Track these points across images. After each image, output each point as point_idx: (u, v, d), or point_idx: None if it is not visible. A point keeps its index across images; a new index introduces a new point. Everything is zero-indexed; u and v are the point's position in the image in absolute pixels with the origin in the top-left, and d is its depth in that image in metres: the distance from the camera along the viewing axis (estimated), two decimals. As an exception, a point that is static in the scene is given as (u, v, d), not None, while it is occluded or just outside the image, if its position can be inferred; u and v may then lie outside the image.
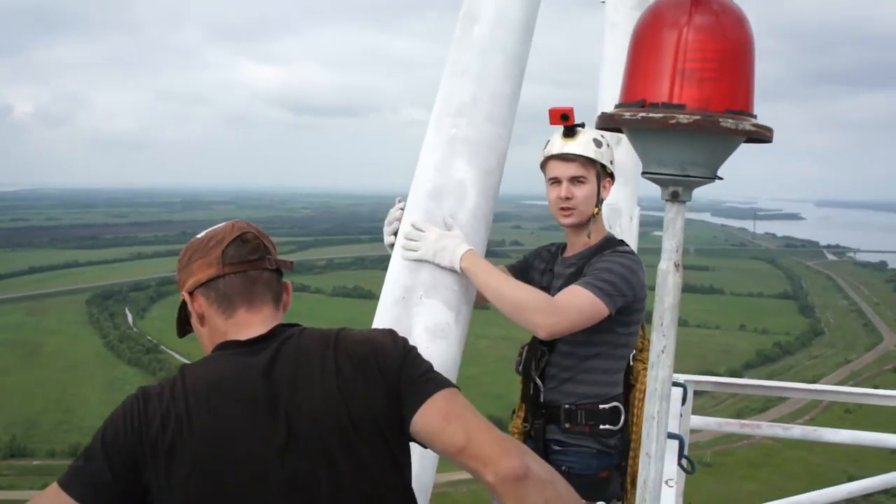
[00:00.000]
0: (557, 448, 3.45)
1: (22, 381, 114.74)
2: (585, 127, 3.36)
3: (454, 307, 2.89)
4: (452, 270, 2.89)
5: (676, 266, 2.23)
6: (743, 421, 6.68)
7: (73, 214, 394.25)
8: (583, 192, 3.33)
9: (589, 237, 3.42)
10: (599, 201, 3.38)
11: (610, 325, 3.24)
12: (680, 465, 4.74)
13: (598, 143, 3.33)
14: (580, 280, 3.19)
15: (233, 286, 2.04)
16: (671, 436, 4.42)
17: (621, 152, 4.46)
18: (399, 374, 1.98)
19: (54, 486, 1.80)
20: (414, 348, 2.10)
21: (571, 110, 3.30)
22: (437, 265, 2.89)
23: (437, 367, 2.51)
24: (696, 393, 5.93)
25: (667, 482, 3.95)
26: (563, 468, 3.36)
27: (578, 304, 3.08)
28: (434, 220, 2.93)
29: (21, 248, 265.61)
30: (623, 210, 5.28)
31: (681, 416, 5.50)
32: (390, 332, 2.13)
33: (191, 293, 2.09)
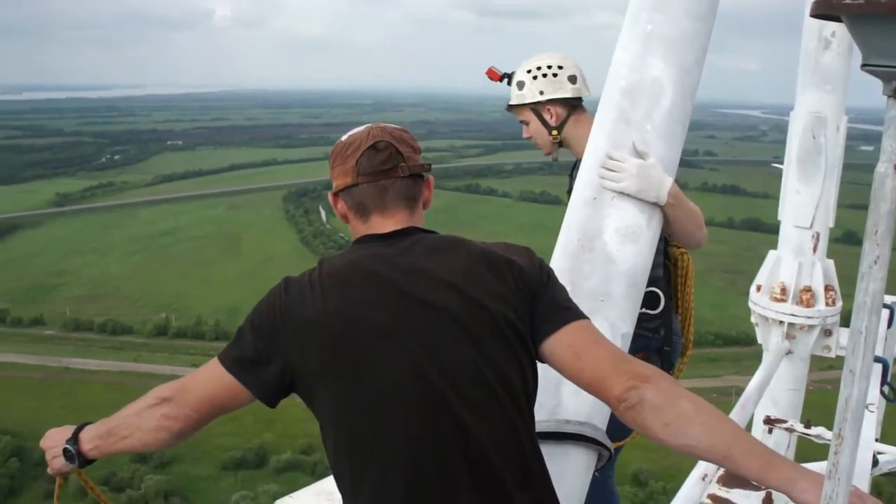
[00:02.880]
0: None
1: (223, 272, 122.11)
2: (516, 72, 3.69)
3: (646, 210, 2.83)
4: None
5: (896, 169, 2.14)
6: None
7: (270, 114, 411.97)
8: (530, 132, 3.71)
9: (579, 147, 3.49)
10: (554, 127, 3.64)
11: None
12: (882, 391, 4.72)
13: (520, 85, 3.65)
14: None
15: (366, 194, 2.14)
16: (876, 359, 4.34)
17: (830, 55, 4.42)
18: (536, 293, 2.05)
19: (214, 360, 2.03)
20: (552, 271, 2.16)
21: (490, 70, 3.77)
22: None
23: (625, 273, 2.65)
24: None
25: (867, 406, 3.78)
26: None
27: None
28: (627, 118, 2.85)
29: (222, 146, 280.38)
30: (829, 119, 4.75)
31: (885, 339, 5.36)
32: (527, 250, 2.18)
33: (335, 195, 2.21)
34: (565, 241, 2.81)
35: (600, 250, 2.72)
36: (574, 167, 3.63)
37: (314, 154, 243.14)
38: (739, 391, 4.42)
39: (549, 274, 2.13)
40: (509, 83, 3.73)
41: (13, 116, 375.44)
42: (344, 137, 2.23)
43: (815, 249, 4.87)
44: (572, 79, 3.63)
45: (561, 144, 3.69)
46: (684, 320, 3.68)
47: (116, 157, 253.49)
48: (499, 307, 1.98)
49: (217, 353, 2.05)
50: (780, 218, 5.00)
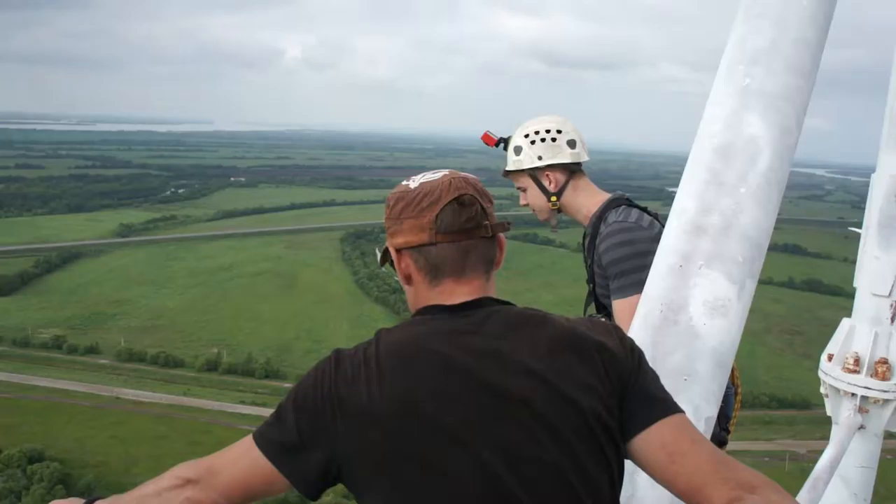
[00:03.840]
0: None
1: (278, 309, 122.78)
2: (513, 136, 3.59)
3: (737, 281, 2.59)
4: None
5: None
6: None
7: (332, 155, 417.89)
8: (528, 199, 3.63)
9: (580, 215, 3.56)
10: (553, 193, 3.54)
11: None
12: None
13: (517, 150, 3.55)
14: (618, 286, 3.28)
15: (444, 256, 1.87)
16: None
17: None
18: (628, 382, 1.80)
19: (248, 440, 1.79)
20: (643, 355, 1.90)
21: (485, 135, 3.74)
22: (722, 230, 2.61)
23: (712, 350, 2.49)
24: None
25: None
26: None
27: None
28: (720, 180, 2.65)
29: (284, 184, 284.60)
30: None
31: None
32: (616, 330, 1.91)
33: (398, 250, 1.94)
34: (646, 312, 2.60)
35: (685, 324, 2.52)
36: (584, 237, 3.55)
37: (374, 196, 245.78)
38: (794, 456, 3.99)
39: (641, 358, 1.88)
40: (505, 148, 3.63)
41: (85, 146, 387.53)
42: (413, 184, 1.94)
43: (892, 319, 4.51)
44: (571, 143, 3.51)
45: (559, 211, 3.60)
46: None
47: (181, 190, 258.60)
48: (587, 400, 1.73)
49: (253, 431, 1.80)
50: (855, 284, 4.67)
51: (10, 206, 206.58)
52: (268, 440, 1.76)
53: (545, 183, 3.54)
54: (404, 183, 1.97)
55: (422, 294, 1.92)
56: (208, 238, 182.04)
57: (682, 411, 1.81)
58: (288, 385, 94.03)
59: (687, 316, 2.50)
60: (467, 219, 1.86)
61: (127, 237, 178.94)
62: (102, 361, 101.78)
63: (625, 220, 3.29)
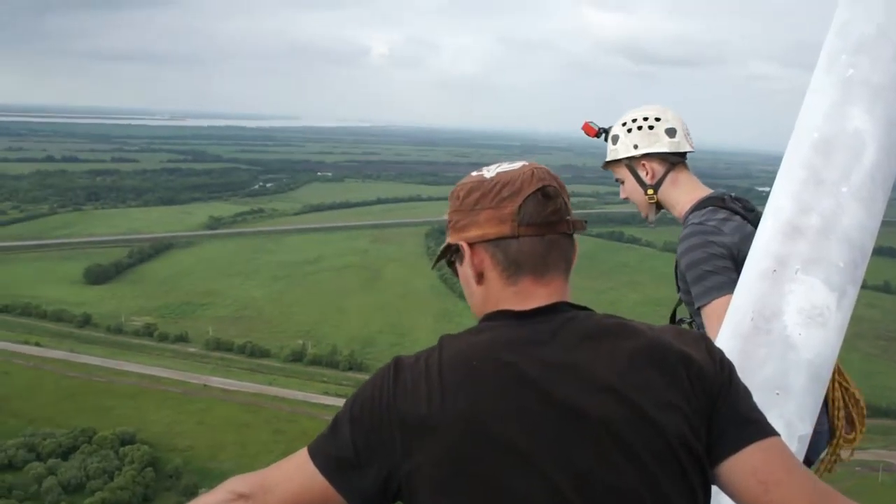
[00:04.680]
0: None
1: (363, 302, 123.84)
2: (613, 126, 3.43)
3: (837, 288, 2.41)
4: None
5: None
6: None
7: (418, 151, 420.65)
8: (626, 192, 3.46)
9: (675, 211, 3.38)
10: (649, 186, 3.37)
11: None
12: None
13: (614, 139, 3.39)
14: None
15: (525, 251, 1.69)
16: None
17: None
18: (717, 399, 1.61)
19: (304, 453, 1.68)
20: (734, 369, 1.69)
21: (585, 124, 3.52)
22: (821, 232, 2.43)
23: (808, 362, 2.35)
24: None
25: None
26: None
27: None
28: (819, 178, 2.46)
29: (370, 179, 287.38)
30: None
31: None
32: (704, 340, 1.72)
33: (471, 244, 1.74)
34: (736, 320, 2.47)
35: (779, 333, 2.37)
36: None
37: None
38: (888, 467, 3.54)
39: (732, 373, 1.67)
40: (606, 139, 3.47)
41: (177, 141, 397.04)
42: (489, 173, 1.75)
43: None
44: (670, 132, 3.31)
45: (659, 207, 3.41)
46: (832, 400, 2.99)
47: (269, 184, 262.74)
48: (670, 420, 1.55)
49: (308, 444, 1.69)
50: None
51: (106, 198, 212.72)
52: (323, 454, 1.65)
53: (642, 174, 3.36)
54: (476, 173, 1.80)
55: (494, 295, 1.74)
56: (295, 231, 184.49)
57: (777, 434, 1.63)
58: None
59: (781, 325, 2.36)
60: (552, 210, 1.70)
61: (216, 230, 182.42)
62: (191, 350, 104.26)
63: (704, 223, 3.08)
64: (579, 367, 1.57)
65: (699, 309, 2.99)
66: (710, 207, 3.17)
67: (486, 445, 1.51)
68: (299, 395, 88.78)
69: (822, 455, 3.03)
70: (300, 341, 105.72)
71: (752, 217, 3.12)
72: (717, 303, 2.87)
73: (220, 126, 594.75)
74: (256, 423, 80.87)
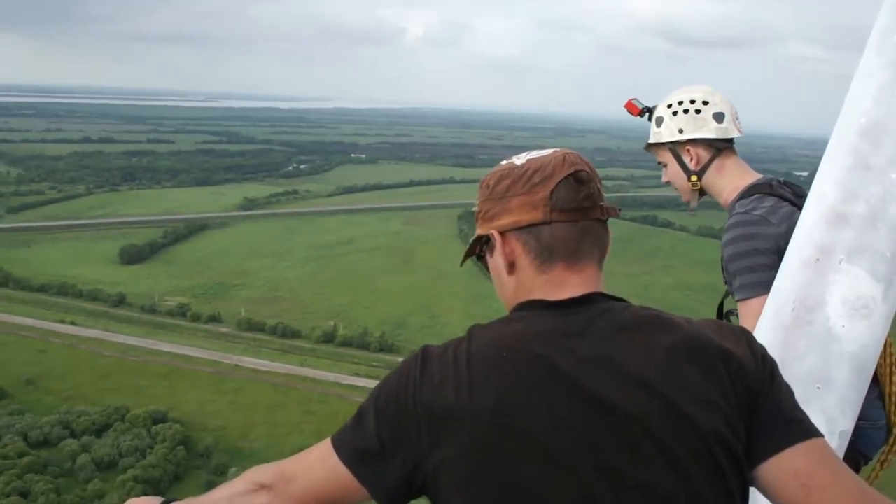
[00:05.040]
0: None
1: (394, 284, 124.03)
2: (658, 107, 3.31)
3: (883, 279, 2.32)
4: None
5: None
6: None
7: (451, 133, 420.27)
8: (669, 176, 3.35)
9: (720, 199, 3.26)
10: (693, 172, 3.26)
11: None
12: None
13: (658, 121, 3.28)
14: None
15: (558, 237, 1.64)
16: None
17: None
18: (758, 397, 1.55)
19: (327, 443, 1.64)
20: (776, 366, 1.63)
21: (629, 102, 3.38)
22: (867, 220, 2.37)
23: (851, 355, 2.29)
24: None
25: None
26: None
27: None
28: (867, 164, 2.38)
29: (403, 161, 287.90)
30: None
31: None
32: (744, 335, 1.65)
33: (502, 233, 1.70)
34: (776, 310, 2.44)
35: (821, 325, 2.31)
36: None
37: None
38: None
39: (774, 370, 1.61)
40: (650, 119, 3.34)
41: (212, 122, 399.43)
42: (519, 160, 1.72)
43: None
44: (718, 117, 3.18)
45: (702, 193, 3.29)
46: (889, 395, 2.83)
47: (302, 166, 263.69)
48: (707, 417, 1.49)
49: (332, 435, 1.64)
50: None
51: (142, 178, 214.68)
52: (347, 446, 1.60)
53: (686, 159, 3.24)
54: (506, 162, 1.76)
55: (526, 283, 1.69)
56: (328, 213, 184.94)
57: (820, 435, 1.57)
58: (402, 359, 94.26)
59: (823, 316, 2.29)
60: (585, 195, 1.65)
61: (250, 210, 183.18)
62: (224, 330, 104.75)
63: (749, 213, 2.96)
64: (614, 360, 1.52)
65: (738, 302, 2.91)
66: (756, 195, 3.03)
67: (514, 440, 1.47)
68: (330, 376, 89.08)
69: (879, 453, 2.87)
70: (331, 322, 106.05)
71: (802, 203, 2.88)
72: (753, 302, 2.78)
73: (255, 107, 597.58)
74: (287, 403, 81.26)
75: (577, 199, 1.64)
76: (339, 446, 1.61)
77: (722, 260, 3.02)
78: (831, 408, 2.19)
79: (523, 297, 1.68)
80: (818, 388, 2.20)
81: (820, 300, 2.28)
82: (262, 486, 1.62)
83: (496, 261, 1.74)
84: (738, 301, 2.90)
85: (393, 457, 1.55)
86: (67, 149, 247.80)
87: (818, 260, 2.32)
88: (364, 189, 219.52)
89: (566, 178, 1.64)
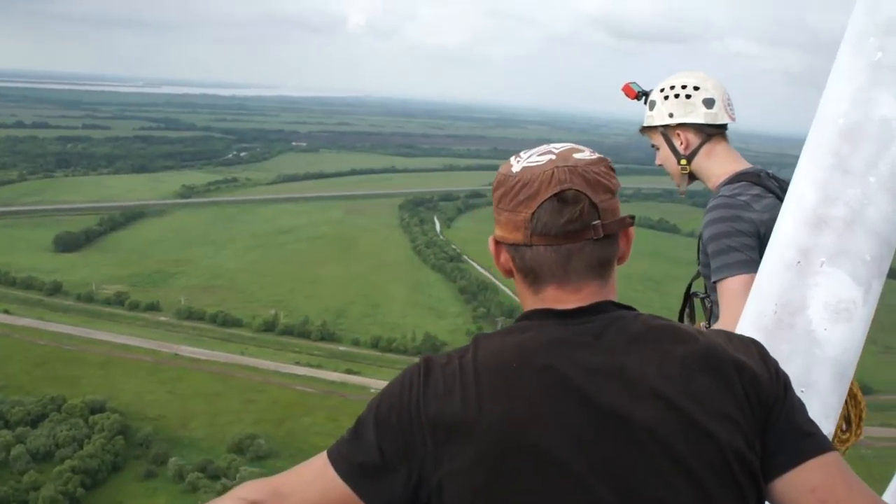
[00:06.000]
0: None
1: (336, 273, 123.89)
2: (653, 91, 3.38)
3: (864, 282, 2.32)
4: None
5: None
6: None
7: (394, 122, 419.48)
8: (661, 159, 3.42)
9: (709, 183, 3.33)
10: (683, 156, 3.32)
11: None
12: None
13: (651, 105, 3.35)
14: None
15: (541, 262, 1.58)
16: None
17: None
18: (772, 411, 1.51)
19: (322, 458, 1.57)
20: (788, 379, 1.59)
21: (626, 86, 3.49)
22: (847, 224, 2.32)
23: (833, 359, 2.28)
24: None
25: None
26: None
27: None
28: (846, 166, 2.34)
29: (345, 150, 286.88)
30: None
31: None
32: (756, 346, 1.62)
33: (497, 242, 1.66)
34: (758, 312, 2.40)
35: (803, 328, 2.30)
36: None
37: (434, 164, 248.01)
38: None
39: (787, 384, 1.57)
40: (645, 102, 3.42)
41: (151, 108, 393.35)
42: (516, 166, 1.62)
43: None
44: (708, 102, 3.25)
45: (692, 177, 3.36)
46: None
47: (243, 153, 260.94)
48: (724, 431, 1.44)
49: (328, 448, 1.58)
50: None
51: (77, 165, 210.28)
52: (346, 460, 1.54)
53: (676, 143, 3.31)
54: (511, 161, 1.67)
55: (523, 296, 1.66)
56: (269, 201, 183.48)
57: (834, 449, 1.53)
58: (343, 348, 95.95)
59: (805, 319, 2.28)
60: (568, 220, 1.54)
61: (189, 198, 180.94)
62: (163, 319, 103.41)
63: (734, 197, 3.05)
64: (626, 372, 1.47)
65: (715, 283, 2.98)
66: (743, 182, 3.14)
67: (525, 453, 1.41)
68: (271, 364, 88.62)
69: None
70: (272, 311, 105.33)
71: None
72: (733, 280, 2.87)
73: (195, 94, 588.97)
74: (227, 392, 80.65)
75: (558, 224, 1.53)
76: (335, 460, 1.54)
77: (700, 240, 3.13)
78: (815, 412, 2.09)
79: (525, 306, 1.64)
80: (801, 391, 2.17)
81: (801, 303, 2.30)
82: None
83: (499, 265, 1.71)
84: (716, 281, 2.95)
85: (396, 470, 1.48)
86: None
87: (799, 262, 2.33)
88: (305, 178, 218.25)
89: (549, 199, 1.54)
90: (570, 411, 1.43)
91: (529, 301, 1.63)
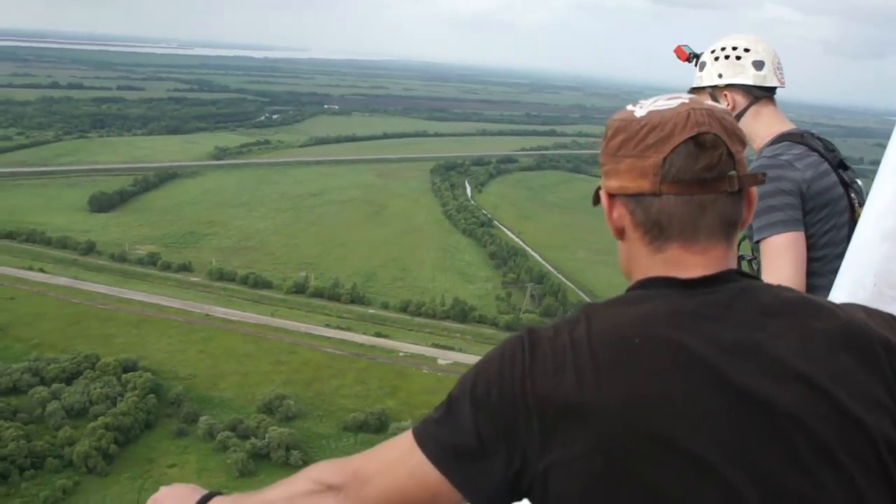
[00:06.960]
0: None
1: (365, 237, 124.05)
2: (704, 53, 3.40)
3: None
4: None
5: None
6: None
7: (427, 87, 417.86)
8: None
9: (755, 144, 3.32)
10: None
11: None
12: None
13: (701, 66, 3.38)
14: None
15: (670, 213, 1.41)
16: None
17: None
18: None
19: (408, 438, 1.42)
20: None
21: (678, 48, 3.50)
22: None
23: None
24: None
25: None
26: None
27: None
28: None
29: (377, 113, 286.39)
30: None
31: None
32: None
33: (611, 195, 1.49)
34: (853, 283, 2.26)
35: None
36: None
37: (466, 129, 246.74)
38: None
39: None
40: (696, 64, 3.44)
41: (184, 70, 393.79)
42: (639, 110, 1.46)
43: None
44: (758, 64, 3.24)
45: None
46: None
47: (275, 116, 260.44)
48: (875, 418, 1.28)
49: (413, 426, 1.43)
50: None
51: (112, 126, 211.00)
52: (436, 442, 1.39)
53: (723, 104, 3.25)
54: (629, 108, 1.51)
55: (638, 258, 1.48)
56: (300, 164, 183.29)
57: None
58: (372, 311, 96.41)
59: None
60: (706, 166, 1.38)
61: (221, 160, 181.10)
62: (194, 279, 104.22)
63: (776, 157, 3.09)
64: (762, 350, 1.31)
65: (758, 242, 2.99)
66: (786, 142, 3.16)
67: (650, 439, 1.26)
68: (301, 326, 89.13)
69: None
70: (303, 273, 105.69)
71: (830, 157, 3.09)
72: (775, 239, 2.90)
73: (228, 56, 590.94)
74: (258, 353, 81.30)
75: (695, 169, 1.38)
76: (425, 442, 1.39)
77: None
78: None
79: (638, 273, 1.48)
80: None
81: None
82: (330, 487, 1.43)
83: (609, 225, 1.53)
84: (758, 241, 2.96)
85: (495, 454, 1.34)
86: (35, 94, 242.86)
87: None
88: (337, 141, 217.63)
89: (685, 142, 1.38)
90: (704, 393, 1.28)
91: (645, 263, 1.46)
